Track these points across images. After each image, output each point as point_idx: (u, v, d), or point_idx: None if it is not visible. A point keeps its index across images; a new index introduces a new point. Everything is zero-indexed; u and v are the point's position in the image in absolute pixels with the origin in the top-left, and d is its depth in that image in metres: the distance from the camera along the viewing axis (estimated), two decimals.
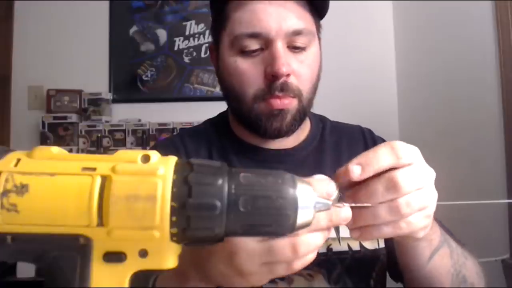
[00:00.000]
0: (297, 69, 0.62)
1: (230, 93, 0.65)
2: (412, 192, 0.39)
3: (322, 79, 0.68)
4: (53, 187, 0.26)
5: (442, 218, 0.58)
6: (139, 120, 1.95)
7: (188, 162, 0.28)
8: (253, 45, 0.61)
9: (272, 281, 0.61)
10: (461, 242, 0.62)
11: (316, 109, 0.79)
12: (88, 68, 2.02)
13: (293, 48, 0.62)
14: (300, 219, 0.28)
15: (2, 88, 2.01)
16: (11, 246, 0.26)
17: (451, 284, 0.57)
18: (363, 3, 1.96)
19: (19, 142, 1.97)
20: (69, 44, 2.02)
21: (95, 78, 2.01)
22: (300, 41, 0.61)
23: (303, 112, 0.65)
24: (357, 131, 0.77)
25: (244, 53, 0.61)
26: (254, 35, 0.60)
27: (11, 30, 2.03)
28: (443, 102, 1.63)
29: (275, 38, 0.59)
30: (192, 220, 0.26)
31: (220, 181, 0.27)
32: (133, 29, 2.04)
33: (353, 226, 0.41)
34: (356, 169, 0.38)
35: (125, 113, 1.99)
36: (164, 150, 0.80)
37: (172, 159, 0.28)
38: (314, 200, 0.29)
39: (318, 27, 0.68)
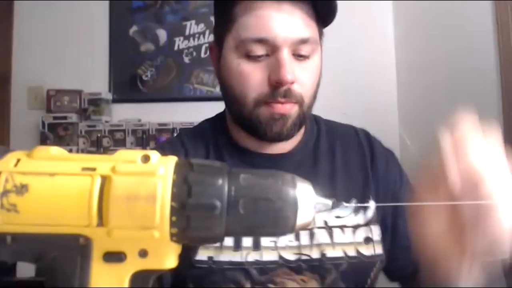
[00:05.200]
0: (301, 77, 0.62)
1: (230, 94, 0.65)
2: None
3: (322, 78, 0.68)
4: (53, 187, 0.26)
5: None
6: (139, 120, 1.95)
7: (188, 162, 0.28)
8: (259, 50, 0.60)
9: (263, 285, 0.62)
10: None
11: (316, 107, 0.78)
12: (88, 68, 2.02)
13: (297, 56, 0.62)
14: (300, 220, 0.28)
15: (2, 88, 2.01)
16: (11, 246, 0.26)
17: None
18: (363, 3, 1.96)
19: (19, 142, 1.97)
20: (69, 44, 2.02)
21: (95, 78, 2.01)
22: (305, 50, 0.61)
23: (303, 118, 0.64)
24: (351, 133, 0.75)
25: (249, 57, 0.61)
26: (261, 41, 0.60)
27: (11, 30, 2.03)
28: (443, 102, 1.62)
29: (282, 45, 0.59)
30: (192, 220, 0.26)
31: (220, 181, 0.27)
32: (133, 29, 2.04)
33: None
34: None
35: (125, 113, 1.99)
36: (164, 152, 0.78)
37: (172, 159, 0.28)
38: (314, 200, 0.29)
39: (321, 34, 0.68)
